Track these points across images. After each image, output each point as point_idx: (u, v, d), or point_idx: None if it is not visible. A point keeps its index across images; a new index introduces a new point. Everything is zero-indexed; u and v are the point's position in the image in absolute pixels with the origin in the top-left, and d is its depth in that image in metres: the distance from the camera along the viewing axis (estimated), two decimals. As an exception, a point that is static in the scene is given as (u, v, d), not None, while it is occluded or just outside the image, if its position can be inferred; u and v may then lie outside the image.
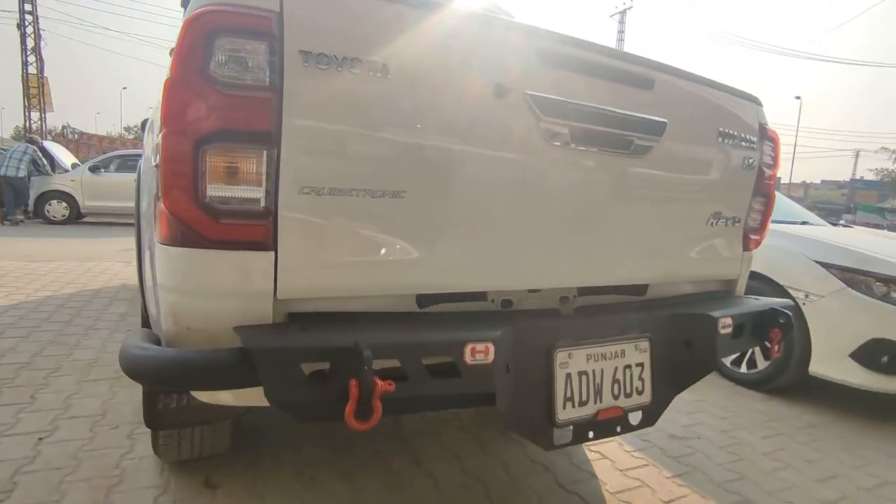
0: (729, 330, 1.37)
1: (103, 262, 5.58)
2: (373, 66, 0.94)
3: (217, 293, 0.91)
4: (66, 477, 1.71)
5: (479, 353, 0.96)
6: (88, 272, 4.99)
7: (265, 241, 0.92)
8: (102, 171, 9.38)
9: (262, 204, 0.91)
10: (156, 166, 0.97)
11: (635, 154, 1.29)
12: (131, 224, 9.64)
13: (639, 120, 1.27)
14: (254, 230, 0.91)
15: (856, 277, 2.76)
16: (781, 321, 1.45)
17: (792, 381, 2.87)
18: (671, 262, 1.50)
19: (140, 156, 4.02)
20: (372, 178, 0.98)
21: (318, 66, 0.90)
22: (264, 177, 0.90)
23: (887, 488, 2.10)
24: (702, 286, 1.65)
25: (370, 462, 1.95)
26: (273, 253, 0.92)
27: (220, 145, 0.86)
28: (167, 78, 0.87)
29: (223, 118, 0.86)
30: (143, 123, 3.96)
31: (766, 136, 1.62)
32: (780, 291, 2.85)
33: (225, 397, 0.96)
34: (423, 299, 1.17)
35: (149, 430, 2.00)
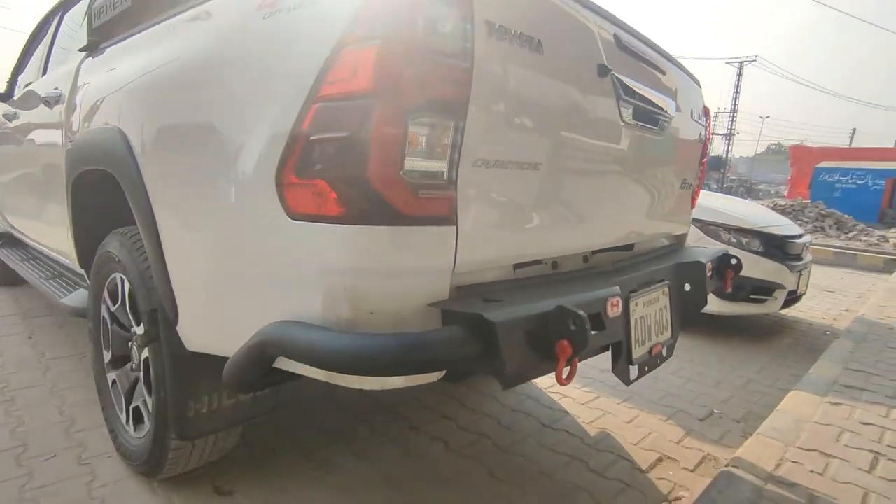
0: (710, 273, 1.70)
1: None
2: (531, 41, 0.96)
3: (406, 272, 0.87)
4: (31, 522, 1.39)
5: (615, 307, 1.09)
6: None
7: (450, 215, 0.90)
8: None
9: (446, 177, 0.89)
10: (299, 137, 0.86)
11: (659, 131, 1.50)
12: None
13: (664, 101, 1.48)
14: (442, 204, 0.88)
15: (708, 228, 3.50)
16: (733, 263, 1.84)
17: (668, 315, 3.55)
18: (659, 221, 1.78)
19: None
20: (523, 151, 1.01)
21: (497, 39, 0.90)
22: (450, 149, 0.87)
23: (752, 384, 2.79)
24: (668, 240, 1.98)
25: (373, 437, 1.94)
26: (455, 227, 0.91)
27: (424, 116, 0.82)
28: (374, 44, 0.78)
29: (432, 88, 0.81)
30: None
31: (706, 113, 1.99)
32: (659, 243, 3.47)
33: (396, 381, 0.93)
34: (516, 266, 1.24)
35: (106, 452, 1.71)
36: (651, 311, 1.45)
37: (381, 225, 0.84)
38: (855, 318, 3.90)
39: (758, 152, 72.03)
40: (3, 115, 2.83)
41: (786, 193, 21.17)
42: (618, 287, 1.14)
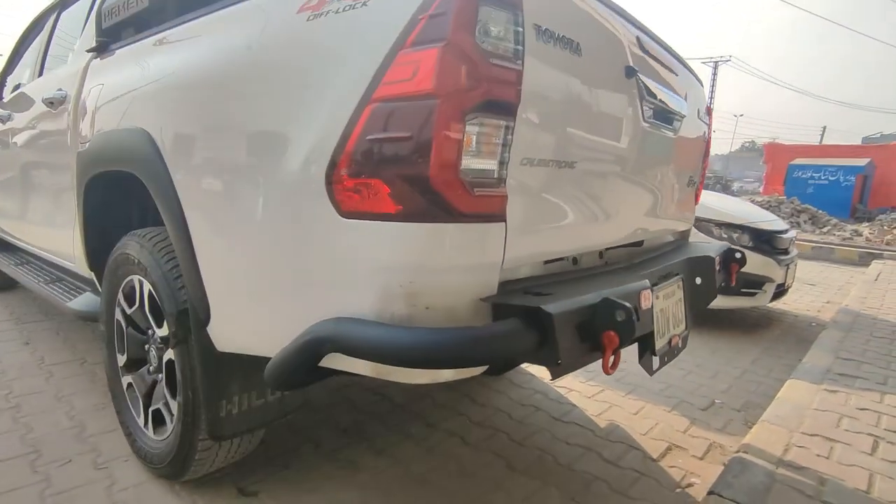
0: (719, 267, 1.76)
1: None
2: (571, 43, 1.00)
3: (461, 268, 0.89)
4: (55, 528, 1.37)
5: (647, 299, 1.13)
6: None
7: (501, 211, 0.93)
8: None
9: (498, 175, 0.91)
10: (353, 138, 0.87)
11: (673, 130, 1.55)
12: None
13: (678, 101, 1.53)
14: (495, 202, 0.91)
15: (700, 223, 3.58)
16: (738, 257, 1.90)
17: (663, 309, 3.63)
18: (669, 218, 1.84)
19: None
20: (561, 150, 1.05)
21: (543, 41, 0.93)
22: (501, 148, 0.90)
23: (747, 375, 2.88)
24: (673, 236, 2.04)
25: (391, 436, 1.95)
26: (504, 224, 0.94)
27: (480, 116, 0.84)
28: (436, 46, 0.80)
29: (489, 89, 0.84)
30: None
31: (708, 111, 2.05)
32: (653, 239, 3.55)
33: (446, 374, 0.96)
34: (546, 261, 1.27)
35: (122, 456, 1.69)
36: (669, 304, 1.49)
37: (440, 222, 0.86)
38: (839, 309, 4.04)
39: (732, 150, 73.63)
40: (-6, 118, 2.75)
41: (761, 190, 21.65)
42: (647, 280, 1.18)
